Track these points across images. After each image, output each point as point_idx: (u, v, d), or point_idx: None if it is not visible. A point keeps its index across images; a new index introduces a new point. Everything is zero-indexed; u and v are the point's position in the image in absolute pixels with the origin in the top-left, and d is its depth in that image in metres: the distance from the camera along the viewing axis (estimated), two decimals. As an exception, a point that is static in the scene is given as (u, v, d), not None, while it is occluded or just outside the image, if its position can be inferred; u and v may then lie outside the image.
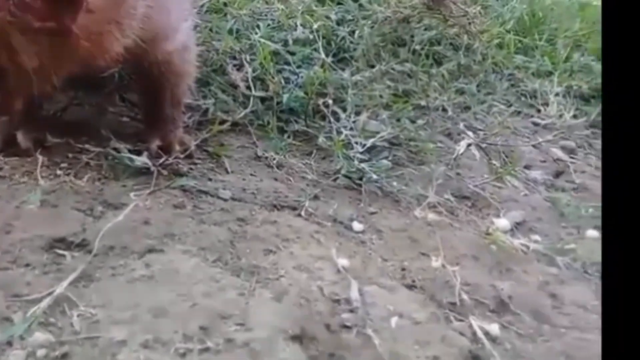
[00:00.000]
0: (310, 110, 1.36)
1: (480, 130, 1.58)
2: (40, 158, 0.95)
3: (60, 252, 0.80)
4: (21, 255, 0.78)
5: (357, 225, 1.03)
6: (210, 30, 1.52)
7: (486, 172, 1.39)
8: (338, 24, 1.81)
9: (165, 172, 1.01)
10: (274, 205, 1.03)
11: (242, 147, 1.20)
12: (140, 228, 0.87)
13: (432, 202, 1.21)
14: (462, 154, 1.45)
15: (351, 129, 1.33)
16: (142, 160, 0.99)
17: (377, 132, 1.36)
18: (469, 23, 1.76)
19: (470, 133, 1.58)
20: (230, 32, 1.60)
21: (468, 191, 1.29)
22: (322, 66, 1.56)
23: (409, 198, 1.19)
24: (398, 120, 1.48)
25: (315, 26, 1.63)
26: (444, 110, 1.63)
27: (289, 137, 1.29)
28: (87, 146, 1.01)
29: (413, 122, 1.52)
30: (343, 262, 0.89)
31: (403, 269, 0.93)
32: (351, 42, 1.74)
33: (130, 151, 1.02)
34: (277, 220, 0.97)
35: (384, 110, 1.42)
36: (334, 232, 0.98)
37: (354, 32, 1.80)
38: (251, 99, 1.29)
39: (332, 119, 1.32)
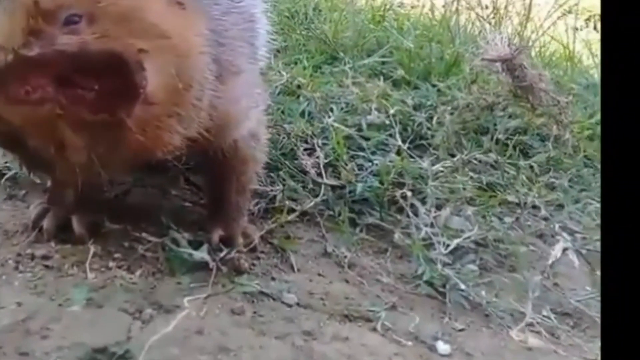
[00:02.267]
0: (386, 202, 1.25)
1: (577, 232, 1.42)
2: (91, 248, 0.87)
3: (100, 364, 0.70)
4: (56, 366, 0.68)
5: (442, 347, 0.89)
6: (282, 112, 1.46)
7: (588, 284, 1.23)
8: (415, 109, 1.72)
9: (225, 269, 0.91)
10: (346, 316, 0.90)
11: (311, 241, 1.09)
12: (192, 339, 0.75)
13: (530, 320, 1.06)
14: (558, 259, 1.29)
15: (432, 225, 1.21)
16: (200, 255, 0.89)
17: (461, 230, 1.23)
18: (560, 113, 1.64)
19: (565, 235, 1.43)
20: (302, 114, 1.54)
21: (570, 307, 1.12)
22: (398, 153, 1.46)
23: (501, 313, 1.04)
24: (484, 217, 1.35)
25: (391, 111, 1.55)
26: (535, 207, 1.48)
27: (361, 230, 1.17)
28: (144, 234, 0.92)
29: (501, 220, 1.39)
30: (430, 399, 0.75)
31: (502, 410, 0.77)
32: (429, 129, 1.64)
33: (190, 242, 0.93)
34: (349, 337, 0.84)
35: (468, 206, 1.29)
36: (416, 355, 0.84)
37: (432, 118, 1.70)
38: (322, 187, 1.19)
39: (410, 213, 1.20)
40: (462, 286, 1.05)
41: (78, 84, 0.71)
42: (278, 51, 1.96)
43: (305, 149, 1.37)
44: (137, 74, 0.73)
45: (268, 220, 1.10)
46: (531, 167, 1.64)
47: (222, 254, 0.93)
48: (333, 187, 1.22)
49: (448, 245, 1.12)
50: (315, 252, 1.07)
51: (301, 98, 1.58)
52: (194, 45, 0.81)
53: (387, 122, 1.56)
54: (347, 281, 1.01)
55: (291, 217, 1.10)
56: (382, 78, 1.85)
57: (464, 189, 1.36)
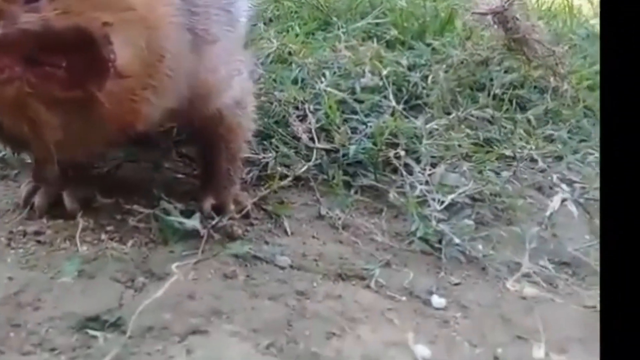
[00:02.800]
0: (380, 163, 1.24)
1: (576, 182, 1.40)
2: (80, 222, 0.87)
3: (92, 332, 0.70)
4: (48, 337, 0.69)
5: (437, 300, 0.89)
6: (274, 80, 1.44)
7: (587, 233, 1.22)
8: (409, 69, 1.69)
9: (217, 236, 0.92)
10: (339, 275, 0.90)
11: (305, 205, 1.09)
12: (184, 304, 0.76)
13: (527, 270, 1.05)
14: (557, 211, 1.28)
15: (427, 183, 1.20)
16: (192, 222, 0.90)
17: (457, 187, 1.22)
18: (557, 64, 1.61)
19: (564, 186, 1.41)
20: (294, 81, 1.52)
21: (568, 256, 1.11)
22: (392, 114, 1.45)
23: (498, 265, 1.04)
24: (480, 172, 1.34)
25: (384, 72, 1.53)
26: (533, 160, 1.46)
27: (356, 192, 1.17)
28: (135, 207, 0.92)
29: (498, 174, 1.37)
30: (422, 351, 0.75)
31: (497, 358, 0.77)
32: (424, 88, 1.61)
33: (182, 212, 0.94)
34: (342, 295, 0.84)
35: (464, 162, 1.28)
36: (410, 310, 0.84)
37: (427, 77, 1.68)
38: (314, 151, 1.18)
39: (404, 172, 1.19)
40: (458, 241, 1.05)
41: (45, 61, 0.70)
42: (270, 20, 1.95)
43: (297, 116, 1.36)
44: (105, 48, 0.72)
45: (261, 187, 1.10)
46: (529, 120, 1.63)
47: (214, 222, 0.93)
48: (326, 151, 1.22)
49: (442, 202, 1.12)
50: (309, 215, 1.06)
51: (293, 65, 1.56)
52: (163, 15, 0.80)
53: (381, 84, 1.55)
54: (341, 242, 1.01)
55: (284, 182, 1.09)
56: (375, 40, 1.83)
57: (459, 145, 1.35)
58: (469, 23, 1.61)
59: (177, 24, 0.84)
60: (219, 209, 0.99)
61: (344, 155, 1.23)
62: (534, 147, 1.50)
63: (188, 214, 0.93)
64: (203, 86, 0.90)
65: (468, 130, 1.48)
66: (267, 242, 0.95)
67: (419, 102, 1.57)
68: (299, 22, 1.93)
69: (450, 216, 1.14)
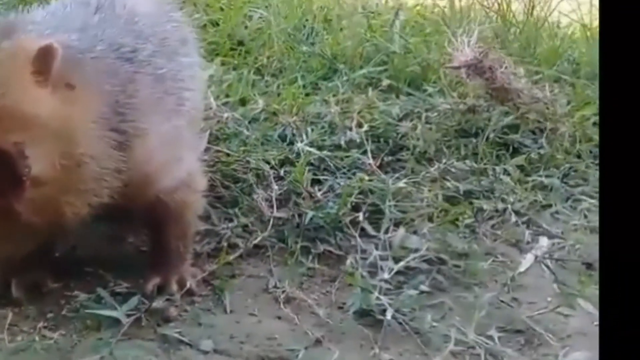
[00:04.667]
0: (343, 226, 1.24)
1: (557, 237, 1.34)
2: (10, 312, 0.92)
3: None
4: None
5: (354, 382, 0.88)
6: (256, 141, 1.46)
7: (551, 295, 1.16)
8: (400, 119, 1.68)
9: (149, 320, 0.95)
10: (262, 358, 0.91)
11: (256, 277, 1.10)
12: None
13: (471, 341, 1.01)
14: (526, 270, 1.23)
15: (383, 248, 1.18)
16: (114, 313, 0.93)
17: (416, 250, 1.20)
18: (547, 108, 1.54)
19: (544, 240, 1.35)
20: (275, 141, 1.54)
21: (523, 324, 1.06)
22: (368, 172, 1.43)
23: (439, 338, 1.01)
24: (447, 232, 1.30)
25: (364, 128, 1.52)
26: (515, 212, 1.41)
27: (313, 260, 1.17)
28: (76, 292, 0.97)
29: (473, 231, 1.34)
30: None
31: None
32: (412, 138, 1.60)
33: (124, 294, 0.98)
34: (256, 381, 0.85)
35: (428, 223, 1.25)
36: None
37: (416, 127, 1.66)
38: (271, 220, 1.19)
39: (358, 238, 1.18)
40: (402, 311, 1.03)
41: None
42: (280, 71, 1.99)
43: (263, 182, 1.37)
44: (19, 164, 0.78)
45: (216, 260, 1.12)
46: (522, 167, 1.57)
47: (149, 305, 0.96)
48: (287, 219, 1.23)
49: (391, 270, 1.10)
50: (256, 288, 1.07)
51: (278, 124, 1.58)
52: (80, 125, 0.85)
53: (364, 138, 1.54)
54: (279, 318, 1.01)
55: (234, 255, 1.11)
56: (370, 89, 1.83)
57: (428, 205, 1.31)
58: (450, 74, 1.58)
59: (99, 129, 0.88)
60: (162, 289, 1.02)
61: (308, 220, 1.24)
62: (519, 198, 1.45)
63: (129, 297, 0.97)
64: (136, 177, 0.94)
65: (449, 184, 1.46)
66: (200, 324, 0.97)
67: (405, 154, 1.56)
68: (303, 73, 1.96)
69: (403, 283, 1.12)
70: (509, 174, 1.51)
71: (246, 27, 2.19)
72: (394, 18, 2.47)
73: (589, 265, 1.27)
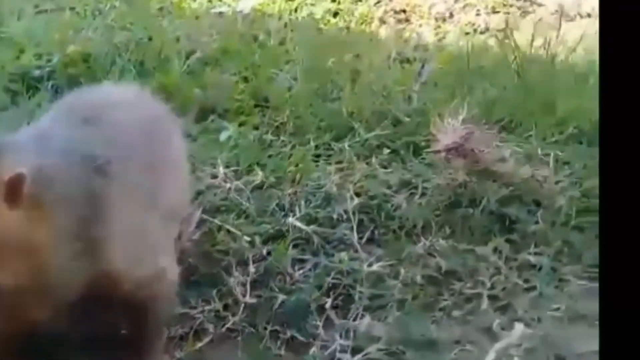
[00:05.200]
0: (313, 312, 1.30)
1: (529, 325, 1.33)
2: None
3: None
4: None
5: None
6: (246, 215, 1.55)
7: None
8: (397, 190, 1.72)
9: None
10: None
11: (224, 364, 1.19)
12: None
13: None
14: (491, 361, 1.24)
15: (346, 337, 1.23)
16: None
17: (379, 339, 1.24)
18: (541, 186, 1.53)
19: (519, 327, 1.35)
20: (273, 211, 1.61)
21: None
22: (351, 251, 1.48)
23: None
24: (422, 317, 1.33)
25: (351, 204, 1.57)
26: (494, 297, 1.42)
27: (281, 346, 1.24)
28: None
29: (447, 315, 1.36)
30: None
31: None
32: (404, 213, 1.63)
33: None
34: None
35: (394, 310, 1.29)
36: None
37: (412, 196, 1.69)
38: (241, 305, 1.28)
39: (323, 324, 1.24)
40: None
41: None
42: (292, 133, 2.06)
43: (257, 256, 1.45)
44: None
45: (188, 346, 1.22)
46: (513, 241, 1.57)
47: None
48: (259, 303, 1.30)
49: (347, 361, 1.15)
50: (223, 376, 1.16)
51: (273, 197, 1.66)
52: (44, 239, 0.96)
53: (352, 213, 1.59)
54: (235, 408, 1.10)
55: (203, 342, 1.20)
56: (374, 156, 1.87)
57: (405, 285, 1.35)
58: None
59: (63, 239, 0.99)
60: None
61: (280, 305, 1.31)
62: (502, 279, 1.46)
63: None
64: (103, 277, 1.04)
65: (434, 262, 1.48)
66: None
67: (395, 227, 1.59)
68: (316, 135, 2.02)
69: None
70: (499, 252, 1.52)
71: (270, 84, 2.29)
72: (420, 71, 2.51)
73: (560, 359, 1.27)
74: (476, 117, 1.90)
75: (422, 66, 2.56)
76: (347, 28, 3.11)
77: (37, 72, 2.16)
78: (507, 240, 1.53)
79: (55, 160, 1.02)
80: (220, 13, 3.05)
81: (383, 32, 3.12)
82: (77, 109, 1.21)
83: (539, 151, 1.80)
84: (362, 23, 3.20)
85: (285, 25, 2.82)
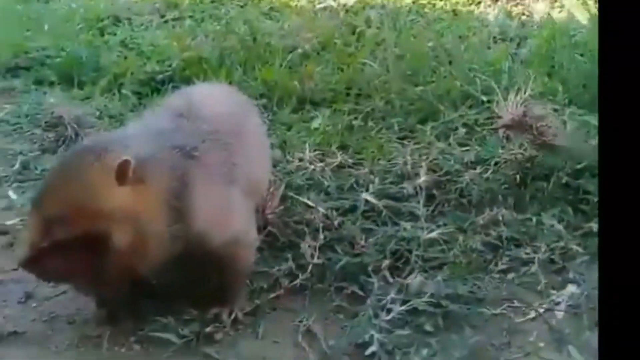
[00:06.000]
0: (370, 272, 1.55)
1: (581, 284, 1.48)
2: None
3: None
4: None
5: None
6: (323, 192, 1.83)
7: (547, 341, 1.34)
8: (469, 166, 1.90)
9: (200, 340, 1.38)
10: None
11: (291, 312, 1.48)
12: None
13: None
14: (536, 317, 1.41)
15: (399, 291, 1.47)
16: (187, 330, 1.39)
17: (432, 295, 1.46)
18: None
19: (572, 287, 1.50)
20: (350, 189, 1.88)
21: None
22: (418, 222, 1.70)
23: (416, 373, 1.28)
24: (479, 278, 1.53)
25: (420, 180, 1.79)
26: (551, 261, 1.57)
27: (342, 299, 1.51)
28: (157, 317, 1.45)
29: (504, 276, 1.55)
30: None
31: None
32: (474, 184, 1.82)
33: (185, 320, 1.43)
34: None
35: (446, 270, 1.50)
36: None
37: (485, 172, 1.87)
38: (310, 265, 1.56)
39: (379, 281, 1.49)
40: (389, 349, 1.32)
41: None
42: (383, 118, 2.31)
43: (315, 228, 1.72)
44: (107, 242, 1.27)
45: (265, 296, 1.52)
46: (582, 211, 1.69)
47: (202, 330, 1.40)
48: (324, 263, 1.57)
49: (390, 310, 1.39)
50: (288, 321, 1.45)
51: (352, 176, 1.92)
52: (148, 210, 1.30)
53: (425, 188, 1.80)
54: (295, 346, 1.37)
55: (274, 294, 1.50)
56: (453, 134, 2.07)
57: (455, 254, 1.55)
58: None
59: (161, 210, 1.33)
60: (217, 317, 1.46)
61: (342, 267, 1.57)
62: (561, 245, 1.60)
63: (189, 322, 1.43)
64: (192, 240, 1.34)
65: (492, 230, 1.66)
66: (233, 347, 1.37)
67: (464, 200, 1.79)
68: (402, 118, 2.26)
69: (405, 324, 1.40)
70: (564, 220, 1.66)
71: (363, 73, 2.55)
72: (515, 51, 2.64)
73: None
74: (551, 94, 2.05)
75: (517, 46, 2.69)
76: (454, 11, 3.30)
77: (159, 77, 2.62)
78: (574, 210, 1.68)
79: (154, 148, 1.36)
80: (325, 7, 3.38)
81: (492, 11, 3.27)
82: (175, 106, 1.57)
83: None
84: (470, 4, 3.37)
85: (383, 14, 3.08)
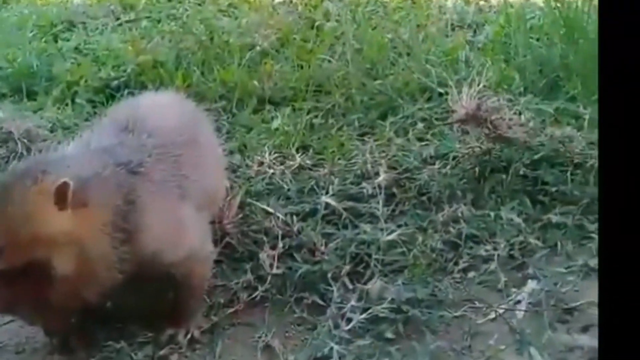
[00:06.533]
0: (329, 279, 1.51)
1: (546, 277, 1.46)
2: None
3: None
4: None
5: None
6: (279, 197, 1.79)
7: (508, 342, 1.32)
8: (427, 162, 1.87)
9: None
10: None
11: (250, 326, 1.45)
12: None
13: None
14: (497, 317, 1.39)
15: (359, 298, 1.44)
16: (136, 358, 1.35)
17: (391, 300, 1.43)
18: (563, 145, 1.61)
19: (533, 284, 1.48)
20: (310, 191, 1.84)
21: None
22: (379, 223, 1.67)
23: (377, 383, 1.26)
24: (439, 280, 1.51)
25: (379, 179, 1.76)
26: (511, 257, 1.55)
27: (302, 310, 1.48)
28: (109, 343, 1.40)
29: (465, 275, 1.52)
30: None
31: None
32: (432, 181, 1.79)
33: (140, 343, 1.39)
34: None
35: (404, 274, 1.48)
36: None
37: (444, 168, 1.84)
38: (269, 277, 1.52)
39: (339, 289, 1.46)
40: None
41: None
42: (343, 114, 2.27)
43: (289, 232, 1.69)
44: (48, 269, 1.23)
45: (222, 312, 1.48)
46: (541, 203, 1.68)
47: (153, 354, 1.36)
48: (284, 273, 1.54)
49: (350, 320, 1.37)
50: (247, 337, 1.41)
51: (311, 178, 1.88)
52: (91, 233, 1.25)
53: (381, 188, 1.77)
54: (255, 364, 1.35)
55: (232, 309, 1.46)
56: (412, 129, 2.04)
57: (417, 256, 1.52)
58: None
59: (106, 232, 1.28)
60: (172, 338, 1.41)
61: (301, 276, 1.53)
62: (520, 240, 1.58)
63: (142, 345, 1.38)
64: (143, 261, 1.30)
65: (452, 229, 1.63)
66: (191, 368, 1.35)
67: (424, 199, 1.76)
68: (362, 114, 2.22)
69: (366, 332, 1.37)
70: (523, 213, 1.64)
71: (323, 69, 2.51)
72: (472, 38, 2.60)
73: (568, 311, 1.39)
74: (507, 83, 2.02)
75: (474, 33, 2.66)
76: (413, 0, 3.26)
77: (114, 83, 2.55)
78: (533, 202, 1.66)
79: (95, 167, 1.31)
80: (284, 1, 3.32)
81: (450, -1, 3.23)
82: (118, 119, 1.52)
83: (582, 109, 1.89)
84: (430, -9, 3.32)
85: (341, 6, 3.02)
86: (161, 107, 1.59)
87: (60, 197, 1.24)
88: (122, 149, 1.39)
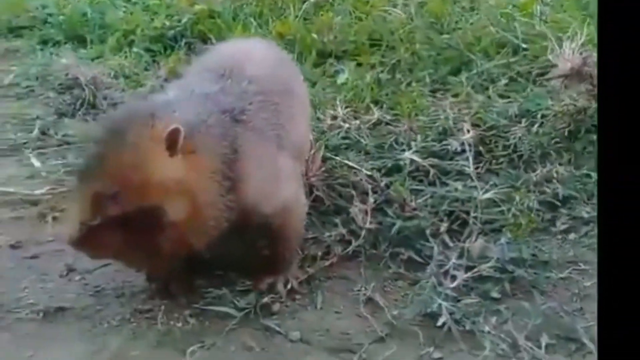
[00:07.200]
0: (429, 235, 1.48)
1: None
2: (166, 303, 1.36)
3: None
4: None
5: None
6: (365, 152, 1.75)
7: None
8: (516, 121, 1.81)
9: (259, 312, 1.32)
10: (334, 349, 1.23)
11: (347, 280, 1.42)
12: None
13: (522, 345, 1.22)
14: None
15: (460, 256, 1.41)
16: (244, 302, 1.32)
17: (497, 259, 1.40)
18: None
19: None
20: (390, 147, 1.79)
21: (576, 333, 1.23)
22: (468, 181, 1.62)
23: (492, 341, 1.23)
24: (539, 240, 1.47)
25: (467, 136, 1.70)
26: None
27: (399, 266, 1.44)
28: (211, 289, 1.38)
29: (566, 236, 1.49)
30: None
31: None
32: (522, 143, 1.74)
33: (241, 291, 1.37)
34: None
35: (508, 233, 1.44)
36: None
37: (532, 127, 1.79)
38: (363, 231, 1.49)
39: (439, 246, 1.43)
40: (459, 317, 1.27)
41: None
42: (410, 70, 2.20)
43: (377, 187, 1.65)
44: (160, 215, 1.19)
45: (318, 264, 1.45)
46: None
47: (258, 301, 1.33)
48: (377, 228, 1.50)
49: (455, 277, 1.33)
50: (345, 289, 1.38)
51: (391, 134, 1.83)
52: (200, 180, 1.22)
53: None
54: (358, 316, 1.32)
55: (327, 262, 1.43)
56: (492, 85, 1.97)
57: (515, 215, 1.48)
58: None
59: (213, 180, 1.24)
60: (271, 288, 1.39)
61: (398, 231, 1.50)
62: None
63: (244, 293, 1.36)
64: (243, 210, 1.27)
65: (548, 189, 1.59)
66: (294, 317, 1.31)
67: (511, 157, 1.71)
68: (432, 70, 2.15)
69: (471, 290, 1.34)
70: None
71: (383, 22, 2.43)
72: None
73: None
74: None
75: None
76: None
77: (170, 33, 2.48)
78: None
79: (201, 113, 1.27)
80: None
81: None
82: (214, 65, 1.45)
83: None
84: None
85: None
86: (255, 54, 1.52)
87: (172, 143, 1.21)
88: (224, 95, 1.35)
